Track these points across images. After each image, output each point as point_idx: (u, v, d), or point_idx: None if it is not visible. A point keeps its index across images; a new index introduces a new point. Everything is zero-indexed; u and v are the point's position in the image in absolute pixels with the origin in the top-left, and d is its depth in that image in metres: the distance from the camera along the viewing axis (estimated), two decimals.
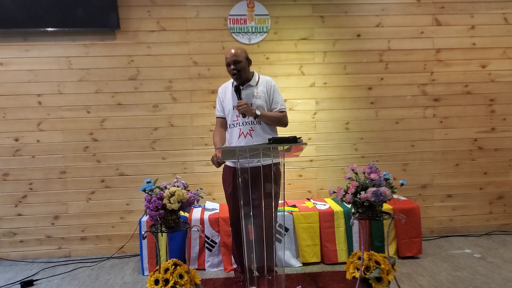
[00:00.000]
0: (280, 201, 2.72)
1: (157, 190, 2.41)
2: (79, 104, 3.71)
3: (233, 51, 2.76)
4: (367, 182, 2.44)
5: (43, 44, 3.65)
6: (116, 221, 3.80)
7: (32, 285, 3.16)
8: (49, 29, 3.58)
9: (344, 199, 2.48)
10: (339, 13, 3.85)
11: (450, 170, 4.03)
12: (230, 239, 3.30)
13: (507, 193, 4.08)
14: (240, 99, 2.73)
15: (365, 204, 2.41)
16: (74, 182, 3.75)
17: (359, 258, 2.58)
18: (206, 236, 3.36)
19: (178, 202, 2.34)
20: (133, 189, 3.76)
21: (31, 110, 3.68)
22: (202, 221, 3.35)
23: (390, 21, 3.88)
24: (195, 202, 2.48)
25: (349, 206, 2.54)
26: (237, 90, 2.76)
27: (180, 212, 2.44)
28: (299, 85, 3.87)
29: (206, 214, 3.40)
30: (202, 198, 2.54)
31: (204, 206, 3.64)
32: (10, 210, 3.72)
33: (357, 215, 2.51)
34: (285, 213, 3.35)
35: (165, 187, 2.44)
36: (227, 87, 2.94)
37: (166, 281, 2.35)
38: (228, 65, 2.77)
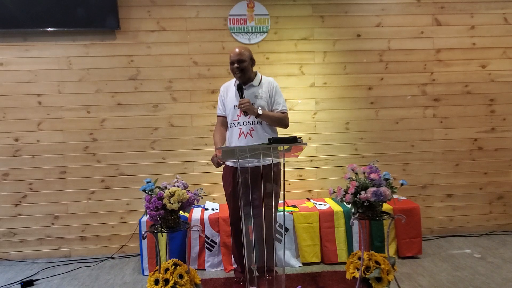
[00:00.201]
0: (280, 201, 2.72)
1: (157, 190, 2.41)
2: (79, 104, 3.71)
3: (237, 50, 2.77)
4: (367, 182, 2.44)
5: (43, 44, 3.65)
6: (116, 221, 3.80)
7: (32, 285, 3.16)
8: (49, 29, 3.58)
9: (344, 199, 2.48)
10: (339, 13, 3.85)
11: (450, 170, 4.03)
12: (230, 239, 3.30)
13: (507, 193, 4.08)
14: (243, 98, 2.73)
15: (365, 204, 2.41)
16: (74, 182, 3.75)
17: (359, 258, 2.58)
18: (206, 236, 3.36)
19: (178, 202, 2.34)
20: (133, 189, 3.76)
21: (31, 110, 3.68)
22: (202, 221, 3.35)
23: (390, 21, 3.88)
24: (195, 202, 2.48)
25: (349, 206, 2.54)
26: (240, 89, 2.76)
27: (180, 212, 2.44)
28: (299, 85, 3.87)
29: (206, 214, 3.40)
30: (202, 198, 2.54)
31: (204, 206, 3.64)
32: (10, 210, 3.72)
33: (357, 215, 2.51)
34: (285, 213, 3.35)
35: (165, 187, 2.44)
36: (229, 86, 2.94)
37: (166, 281, 2.35)
38: (232, 63, 2.78)
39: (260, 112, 2.71)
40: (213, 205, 3.65)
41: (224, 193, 3.00)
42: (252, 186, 2.62)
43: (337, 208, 3.48)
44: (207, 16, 3.75)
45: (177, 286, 2.34)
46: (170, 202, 2.32)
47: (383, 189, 2.38)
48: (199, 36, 3.76)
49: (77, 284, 3.17)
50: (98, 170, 3.76)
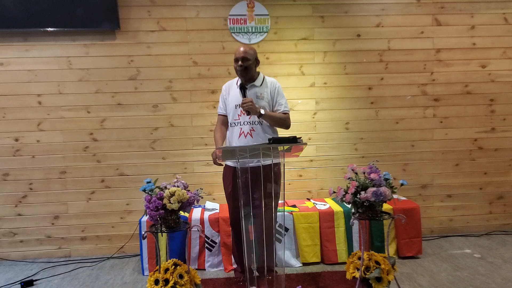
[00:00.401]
0: (280, 201, 2.72)
1: (157, 190, 2.41)
2: (79, 104, 3.71)
3: (243, 48, 2.78)
4: (367, 182, 2.44)
5: (43, 44, 3.65)
6: (116, 221, 3.80)
7: (32, 285, 3.16)
8: (49, 29, 3.58)
9: (344, 199, 2.48)
10: (339, 13, 3.85)
11: (450, 170, 4.03)
12: (230, 239, 3.30)
13: (507, 193, 4.08)
14: (245, 97, 2.72)
15: (365, 204, 2.41)
16: (74, 182, 3.75)
17: (359, 258, 2.58)
18: (206, 236, 3.36)
19: (178, 202, 2.34)
20: (133, 189, 3.76)
21: (31, 110, 3.68)
22: (202, 221, 3.35)
23: (390, 21, 3.88)
24: (195, 202, 2.48)
25: (349, 206, 2.54)
26: (242, 88, 2.75)
27: (180, 212, 2.44)
28: (299, 85, 3.86)
29: (206, 214, 3.40)
30: (202, 198, 2.53)
31: (204, 206, 3.64)
32: (10, 210, 3.72)
33: (357, 215, 2.51)
34: (285, 213, 3.35)
35: (165, 187, 2.44)
36: (231, 84, 2.94)
37: (166, 281, 2.35)
38: (236, 60, 2.78)
39: (262, 112, 2.71)
40: (213, 205, 3.65)
41: (224, 193, 3.00)
42: (252, 186, 2.62)
43: (337, 208, 3.48)
44: (207, 16, 3.75)
45: (177, 286, 2.34)
46: (170, 202, 2.32)
47: (383, 189, 2.38)
48: (199, 36, 3.76)
49: (77, 284, 3.17)
50: (98, 170, 3.76)
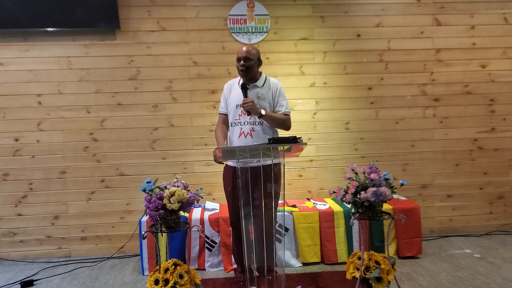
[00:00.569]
0: (280, 201, 2.72)
1: (157, 190, 2.41)
2: (79, 104, 3.71)
3: (246, 48, 2.77)
4: (367, 182, 2.44)
5: (43, 44, 3.65)
6: (116, 221, 3.80)
7: (32, 285, 3.16)
8: (49, 29, 3.58)
9: (344, 199, 2.48)
10: (339, 13, 3.85)
11: (450, 170, 4.03)
12: (230, 239, 3.30)
13: (507, 193, 4.08)
14: (246, 97, 2.72)
15: (365, 204, 2.41)
16: (74, 182, 3.75)
17: (359, 258, 2.58)
18: (206, 236, 3.36)
19: (178, 202, 2.34)
20: (133, 189, 3.76)
21: (31, 110, 3.68)
22: (202, 221, 3.35)
23: (390, 21, 3.88)
24: (195, 202, 2.48)
25: (349, 206, 2.54)
26: (244, 88, 2.74)
27: (180, 212, 2.44)
28: (299, 85, 3.86)
29: (206, 214, 3.40)
30: (202, 198, 2.53)
31: (204, 206, 3.64)
32: (10, 210, 3.72)
33: (357, 215, 2.51)
34: (285, 213, 3.35)
35: (165, 187, 2.44)
36: (233, 84, 2.93)
37: (166, 281, 2.35)
38: (238, 60, 2.77)
39: (263, 112, 2.70)
40: (213, 205, 3.65)
41: (224, 193, 3.00)
42: (252, 186, 2.62)
43: (337, 208, 3.48)
44: (207, 16, 3.75)
45: (177, 286, 2.34)
46: (170, 202, 2.32)
47: (383, 189, 2.38)
48: (199, 36, 3.76)
49: (77, 284, 3.17)
50: (98, 170, 3.76)
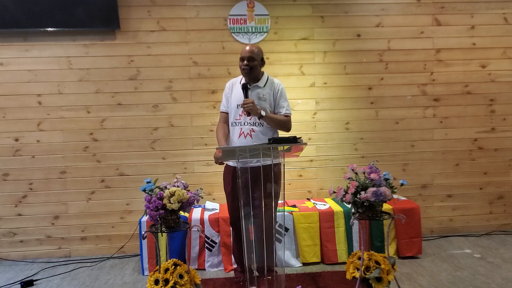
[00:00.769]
0: (280, 201, 2.72)
1: (157, 190, 2.41)
2: (79, 104, 3.71)
3: (250, 47, 2.76)
4: (367, 182, 2.44)
5: (43, 44, 3.65)
6: (116, 221, 3.80)
7: (32, 285, 3.16)
8: (49, 29, 3.58)
9: (344, 199, 2.48)
10: (339, 13, 3.85)
11: (450, 170, 4.03)
12: (230, 239, 3.30)
13: (507, 193, 4.08)
14: (247, 97, 2.71)
15: (365, 204, 2.41)
16: (74, 182, 3.75)
17: (359, 258, 2.58)
18: (206, 236, 3.36)
19: (178, 202, 2.34)
20: (133, 189, 3.76)
21: (31, 110, 3.68)
22: (202, 221, 3.35)
23: (390, 21, 3.88)
24: (195, 202, 2.48)
25: (349, 206, 2.54)
26: (245, 88, 2.73)
27: (180, 212, 2.44)
28: (299, 85, 3.86)
29: (206, 214, 3.41)
30: (202, 198, 2.53)
31: (204, 206, 3.64)
32: (10, 210, 3.72)
33: (357, 215, 2.51)
34: (285, 213, 3.35)
35: (165, 187, 2.44)
36: (234, 83, 2.92)
37: (166, 281, 2.35)
38: (242, 59, 2.75)
39: (263, 113, 2.69)
40: (213, 205, 3.65)
41: (224, 193, 3.00)
42: (252, 186, 2.62)
43: (337, 208, 3.48)
44: (207, 16, 3.75)
45: (177, 286, 2.34)
46: (170, 202, 2.32)
47: (383, 189, 2.38)
48: (199, 36, 3.76)
49: (77, 284, 3.17)
50: (98, 170, 3.76)
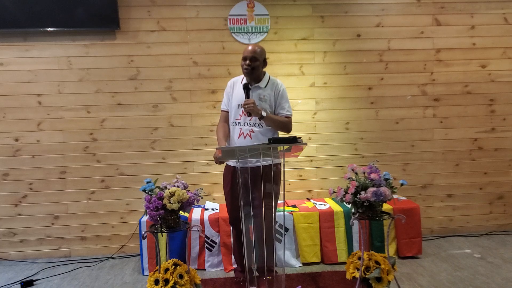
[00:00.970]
0: (280, 201, 2.72)
1: (157, 190, 2.41)
2: (79, 104, 3.71)
3: (253, 47, 2.74)
4: (367, 182, 2.44)
5: (43, 44, 3.65)
6: (116, 221, 3.80)
7: (32, 285, 3.16)
8: (49, 29, 3.58)
9: (344, 199, 2.48)
10: (339, 13, 3.85)
11: (450, 170, 4.03)
12: (230, 239, 3.30)
13: (507, 193, 4.08)
14: (248, 98, 2.71)
15: (365, 204, 2.41)
16: (74, 182, 3.75)
17: (359, 258, 2.58)
18: (206, 236, 3.36)
19: (178, 202, 2.34)
20: (133, 189, 3.76)
21: (31, 110, 3.68)
22: (202, 221, 3.35)
23: (390, 21, 3.88)
24: (195, 202, 2.48)
25: (349, 206, 2.54)
26: (246, 88, 2.72)
27: (180, 212, 2.44)
28: (299, 85, 3.86)
29: (206, 214, 3.41)
30: (202, 198, 2.53)
31: (204, 206, 3.64)
32: (10, 210, 3.72)
33: (357, 215, 2.51)
34: (285, 213, 3.35)
35: (165, 187, 2.44)
36: (236, 82, 2.91)
37: (166, 281, 2.35)
38: (244, 59, 2.74)
39: (264, 114, 2.69)
40: (213, 205, 3.65)
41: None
42: (252, 186, 2.62)
43: (337, 208, 3.48)
44: (207, 16, 3.75)
45: (177, 286, 2.34)
46: (170, 202, 2.32)
47: (383, 189, 2.38)
48: (199, 36, 3.76)
49: (77, 284, 3.17)
50: (98, 170, 3.76)
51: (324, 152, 3.93)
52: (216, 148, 2.74)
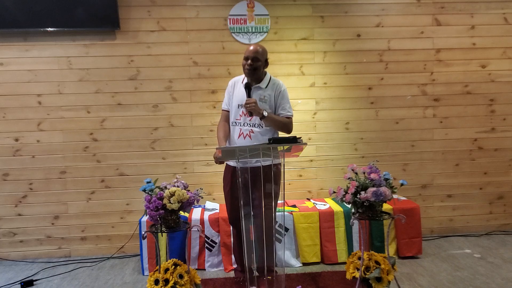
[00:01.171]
0: (280, 201, 2.72)
1: (157, 190, 2.41)
2: (79, 104, 3.71)
3: (255, 47, 2.73)
4: (367, 182, 2.44)
5: (43, 44, 3.65)
6: (116, 221, 3.80)
7: (32, 285, 3.16)
8: (49, 29, 3.58)
9: (344, 199, 2.49)
10: (339, 13, 3.85)
11: (450, 170, 4.03)
12: (230, 239, 3.30)
13: (507, 193, 4.08)
14: (249, 97, 2.70)
15: (365, 204, 2.41)
16: (74, 182, 3.75)
17: (359, 258, 2.58)
18: (206, 236, 3.36)
19: (178, 202, 2.34)
20: (133, 189, 3.76)
21: (31, 110, 3.68)
22: (202, 221, 3.35)
23: (390, 21, 3.88)
24: (195, 202, 2.48)
25: (349, 206, 2.54)
26: (247, 88, 2.72)
27: (180, 212, 2.44)
28: (299, 85, 3.86)
29: (206, 214, 3.41)
30: (202, 198, 2.53)
31: (204, 206, 3.64)
32: (10, 210, 3.72)
33: (357, 215, 2.51)
34: (285, 213, 3.35)
35: (165, 187, 2.44)
36: (237, 81, 2.90)
37: (166, 281, 2.35)
38: (246, 59, 2.72)
39: (265, 114, 2.68)
40: (213, 205, 3.65)
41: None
42: (252, 186, 2.62)
43: (337, 208, 3.48)
44: (207, 16, 3.75)
45: (177, 286, 2.34)
46: (170, 202, 2.32)
47: (383, 189, 2.38)
48: (199, 36, 3.76)
49: (77, 284, 3.18)
50: (98, 170, 3.76)
51: (324, 152, 3.93)
52: (216, 148, 2.74)
